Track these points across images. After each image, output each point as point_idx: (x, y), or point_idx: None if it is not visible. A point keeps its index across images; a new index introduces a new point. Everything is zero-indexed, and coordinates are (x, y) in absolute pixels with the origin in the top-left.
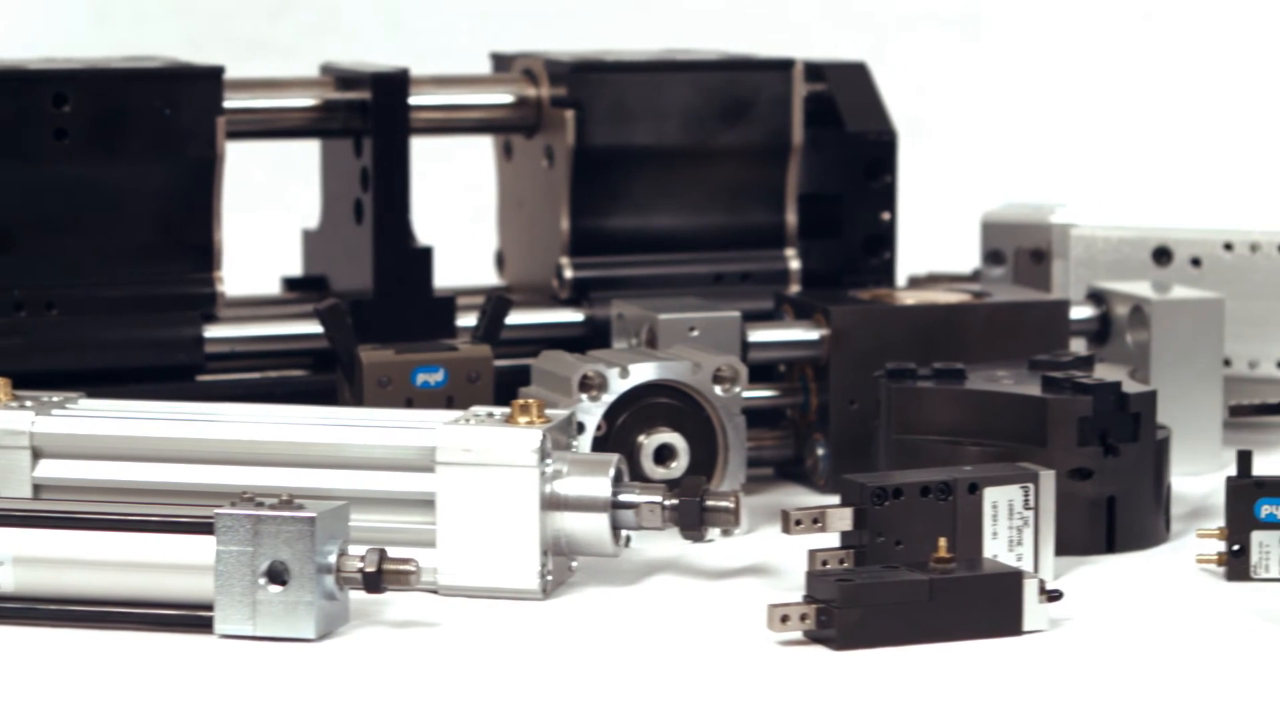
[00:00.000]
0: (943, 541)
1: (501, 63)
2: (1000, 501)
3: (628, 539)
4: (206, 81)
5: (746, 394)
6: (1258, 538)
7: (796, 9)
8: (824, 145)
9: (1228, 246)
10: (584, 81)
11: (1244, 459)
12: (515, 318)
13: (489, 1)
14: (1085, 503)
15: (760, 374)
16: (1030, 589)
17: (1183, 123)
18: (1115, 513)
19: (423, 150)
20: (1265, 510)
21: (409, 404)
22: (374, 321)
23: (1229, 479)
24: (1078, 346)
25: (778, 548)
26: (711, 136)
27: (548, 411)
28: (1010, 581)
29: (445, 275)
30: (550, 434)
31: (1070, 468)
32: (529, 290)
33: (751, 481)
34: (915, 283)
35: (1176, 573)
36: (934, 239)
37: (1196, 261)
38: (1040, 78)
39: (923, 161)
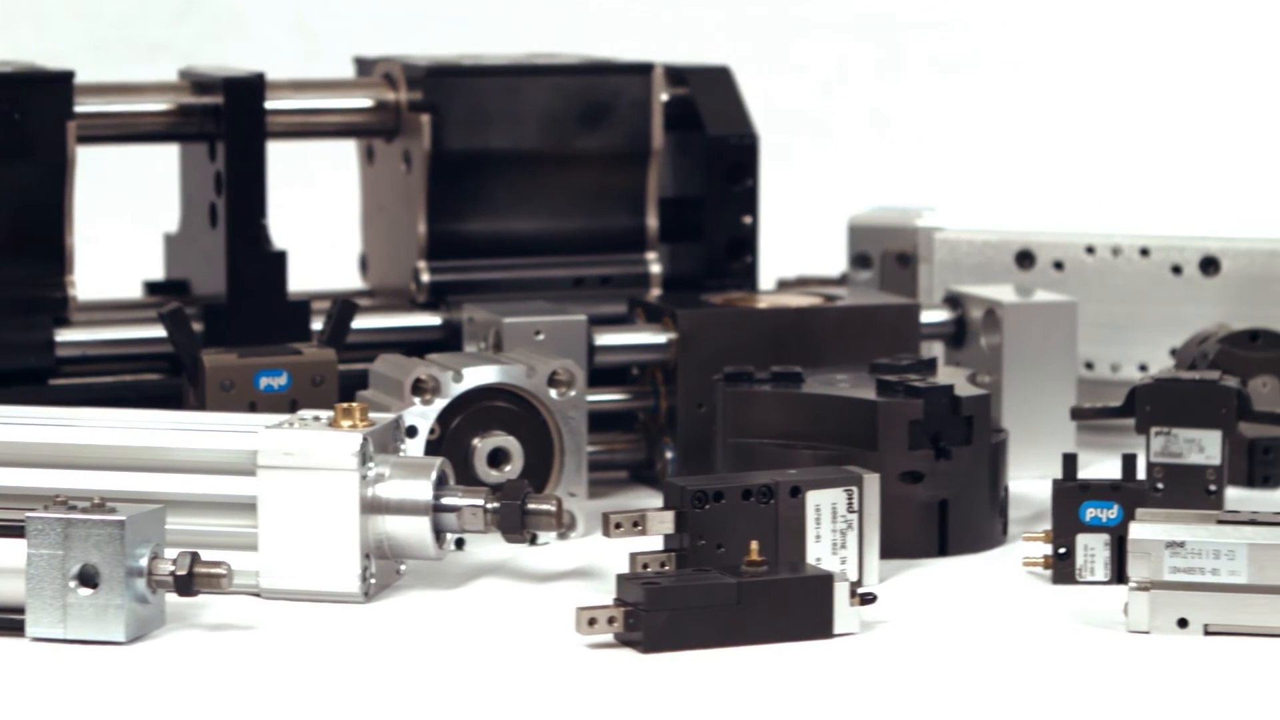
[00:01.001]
0: (754, 545)
1: (364, 67)
2: (824, 505)
3: (460, 542)
4: (56, 86)
5: (596, 397)
6: (1082, 541)
7: (695, 12)
8: (687, 149)
9: (1090, 250)
10: (439, 86)
11: (1069, 462)
12: (374, 321)
13: (394, 5)
14: (918, 506)
15: (614, 377)
16: (841, 592)
17: (1053, 127)
18: (948, 516)
19: (308, 153)
20: (1090, 513)
21: (252, 408)
22: (229, 326)
23: (1054, 482)
24: (935, 350)
25: (609, 551)
26: (570, 140)
27: (372, 415)
28: (821, 584)
29: (317, 279)
30: (373, 437)
31: (901, 471)
32: (390, 294)
33: (605, 484)
34: (785, 285)
35: (1003, 576)
36: (832, 240)
37: (1059, 265)
38: (930, 82)
39: (826, 163)
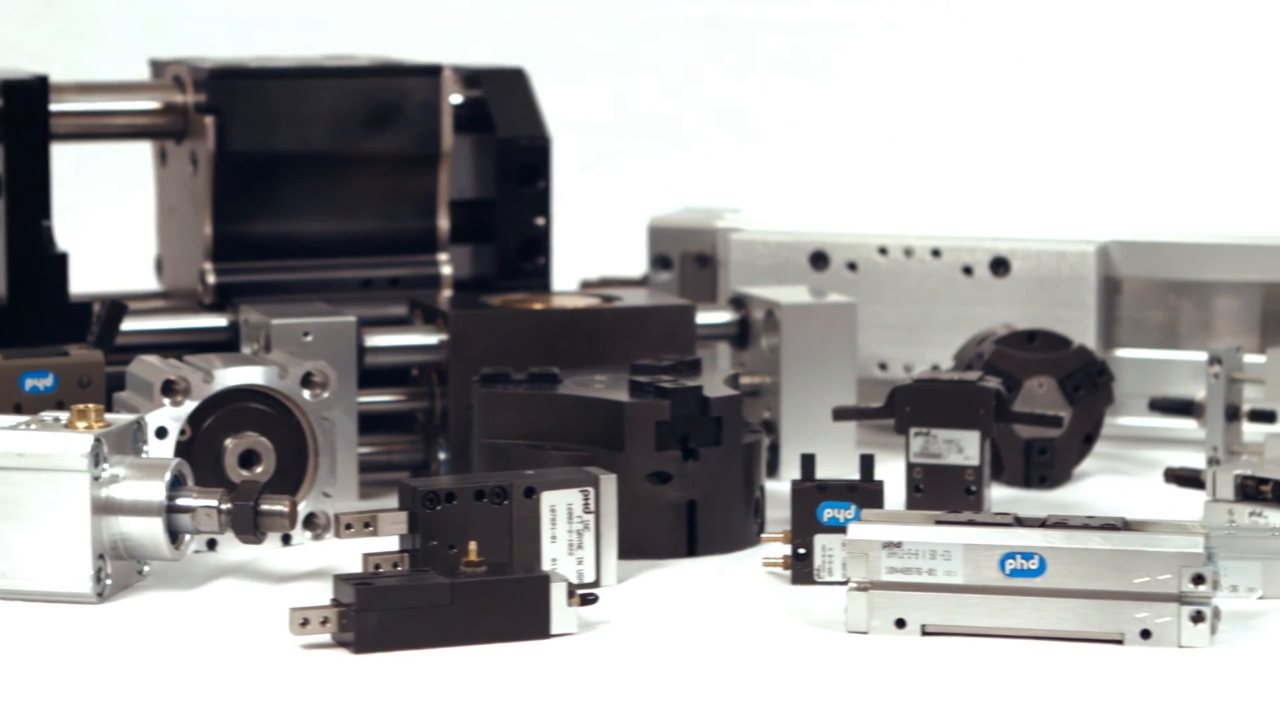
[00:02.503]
0: (472, 545)
1: (157, 69)
2: (559, 505)
3: (212, 543)
4: None
5: (371, 399)
6: (821, 541)
7: (542, 13)
8: (481, 151)
9: (882, 251)
10: (222, 88)
11: (807, 462)
12: (161, 323)
13: (248, 9)
14: (666, 506)
15: (396, 378)
16: (558, 592)
17: (901, 129)
18: (696, 516)
19: (141, 154)
20: (828, 514)
21: (18, 409)
22: (8, 328)
23: (793, 482)
24: (722, 351)
25: (358, 552)
26: (358, 142)
27: (109, 416)
28: (537, 585)
29: (116, 280)
30: (108, 439)
31: (649, 471)
32: (182, 296)
33: (381, 486)
34: (587, 286)
35: (743, 577)
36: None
37: (853, 266)
38: (780, 84)
39: (675, 164)
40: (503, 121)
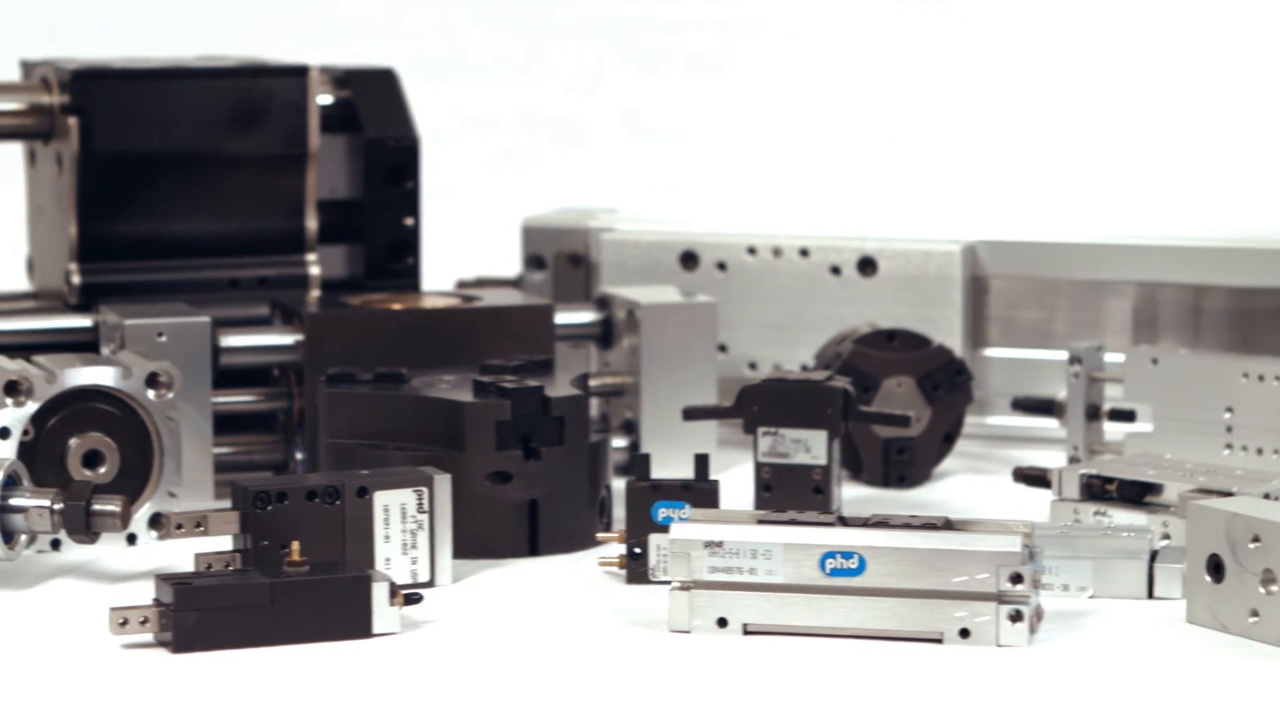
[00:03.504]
0: (295, 545)
1: (27, 70)
2: (392, 505)
3: (56, 543)
4: None
5: (228, 398)
6: (655, 540)
7: (454, 13)
8: (353, 151)
9: (751, 251)
10: (86, 88)
11: (642, 462)
12: (28, 324)
13: (150, 10)
14: (507, 506)
15: (255, 378)
16: (380, 592)
17: (757, 128)
18: (538, 516)
19: None
20: (662, 513)
21: None
22: None
23: (627, 482)
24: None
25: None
26: (225, 142)
27: None
28: (358, 585)
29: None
30: None
31: (490, 471)
32: (51, 296)
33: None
34: (464, 285)
35: (581, 576)
36: None
37: (722, 265)
38: (685, 84)
39: (578, 164)
40: (370, 122)
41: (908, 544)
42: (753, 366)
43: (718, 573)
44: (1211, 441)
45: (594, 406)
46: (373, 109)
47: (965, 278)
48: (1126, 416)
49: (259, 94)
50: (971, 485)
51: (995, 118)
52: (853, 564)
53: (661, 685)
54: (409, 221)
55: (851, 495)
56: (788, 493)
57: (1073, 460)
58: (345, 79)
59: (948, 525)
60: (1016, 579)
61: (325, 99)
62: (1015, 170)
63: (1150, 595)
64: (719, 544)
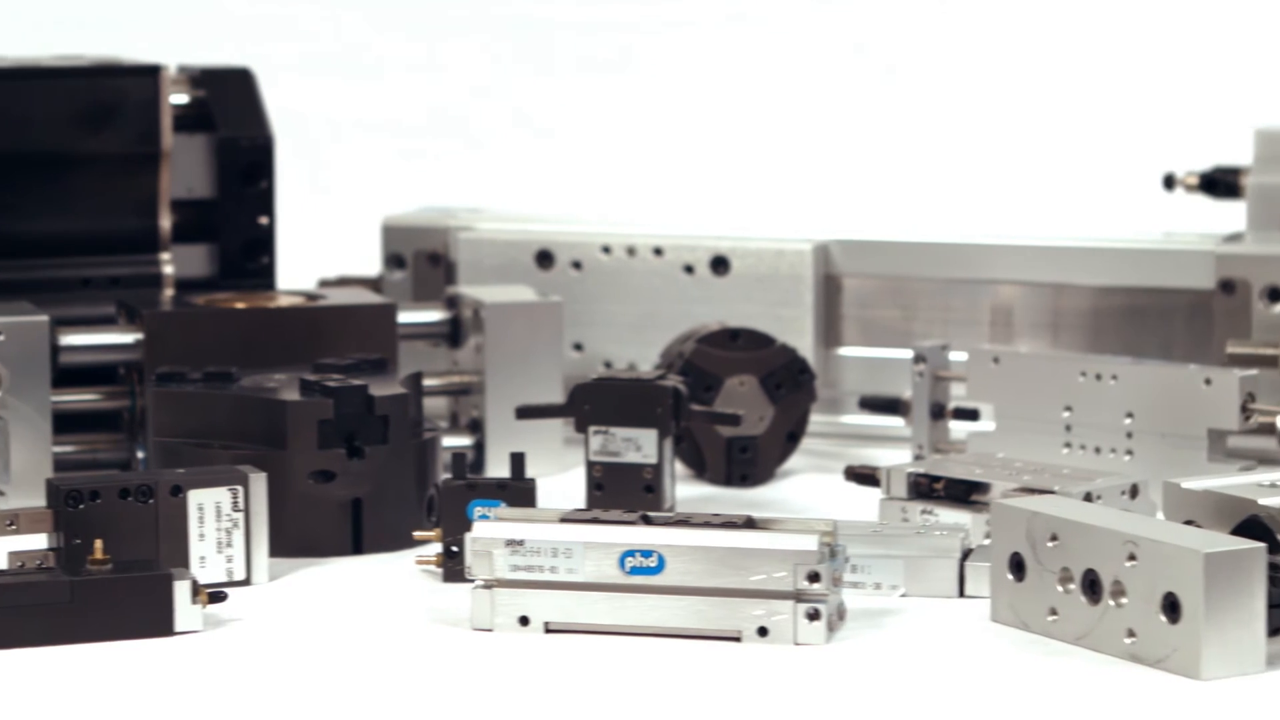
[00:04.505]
0: (98, 543)
1: None
2: (207, 504)
3: None
4: None
5: (69, 397)
6: (469, 539)
7: (349, 13)
8: (208, 151)
9: (606, 249)
10: None
11: (458, 461)
12: None
13: (59, 10)
14: (331, 505)
15: (104, 377)
16: (182, 590)
17: (650, 127)
18: (362, 514)
19: None
20: (478, 511)
21: None
22: None
23: (442, 481)
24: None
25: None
26: (77, 142)
27: None
28: (160, 583)
29: None
30: None
31: (312, 470)
32: None
33: None
34: (325, 284)
35: (399, 574)
36: None
37: (578, 264)
38: (577, 84)
39: (470, 165)
40: (224, 121)
41: (706, 543)
42: (608, 365)
43: (519, 571)
44: (1051, 440)
45: (443, 405)
46: (227, 108)
47: (817, 277)
48: (970, 415)
49: (110, 93)
50: (815, 484)
51: (855, 118)
52: (652, 562)
53: (454, 683)
54: (264, 221)
55: (694, 494)
56: (619, 491)
57: (917, 459)
58: (201, 79)
59: (749, 524)
60: (814, 578)
61: (180, 99)
62: (872, 170)
63: (961, 594)
64: (520, 543)
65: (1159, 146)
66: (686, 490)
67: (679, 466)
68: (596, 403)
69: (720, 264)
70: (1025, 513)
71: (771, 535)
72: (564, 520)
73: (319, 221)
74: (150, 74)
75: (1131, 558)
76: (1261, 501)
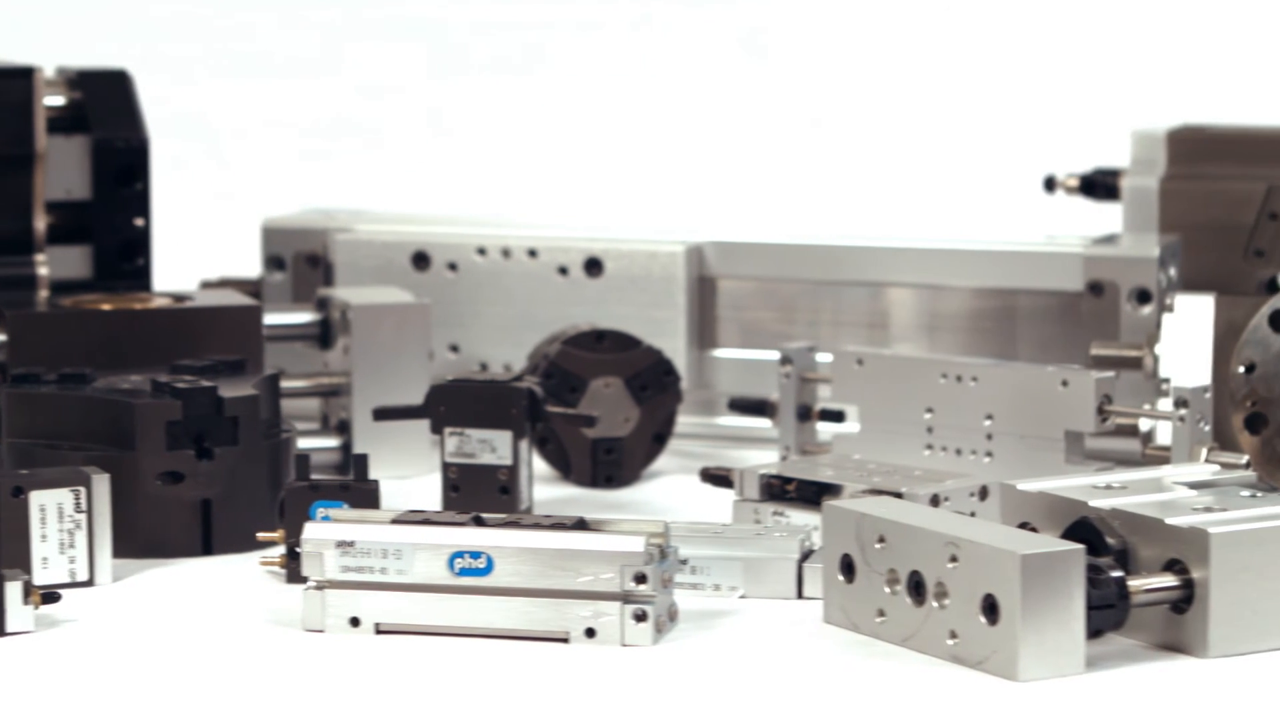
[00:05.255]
0: None
1: None
2: (49, 504)
3: None
4: None
5: None
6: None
7: (249, 16)
8: (81, 152)
9: (481, 251)
10: None
11: (302, 463)
12: None
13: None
14: (180, 506)
15: None
16: (13, 591)
17: (557, 128)
18: (211, 516)
19: None
20: (321, 513)
21: None
22: None
23: (286, 483)
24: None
25: None
26: None
27: None
28: None
29: None
30: None
31: (161, 471)
32: None
33: None
34: (207, 286)
35: (243, 576)
36: None
37: (453, 266)
38: (486, 85)
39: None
40: (98, 123)
41: (535, 544)
42: (483, 367)
43: (350, 572)
44: (914, 442)
45: (315, 407)
46: (102, 110)
47: (690, 278)
48: (835, 417)
49: None
50: (680, 486)
51: (740, 121)
52: (481, 564)
53: (278, 685)
54: (139, 222)
55: (559, 495)
56: (474, 493)
57: (783, 460)
58: (77, 80)
59: (580, 526)
60: (640, 579)
61: (56, 100)
62: (753, 172)
63: (800, 595)
64: (350, 544)
65: (1050, 148)
66: (551, 492)
67: (546, 468)
68: (451, 404)
69: (594, 265)
70: (854, 514)
71: (599, 537)
72: (395, 522)
73: (221, 223)
74: (24, 76)
75: (953, 559)
76: (1092, 503)
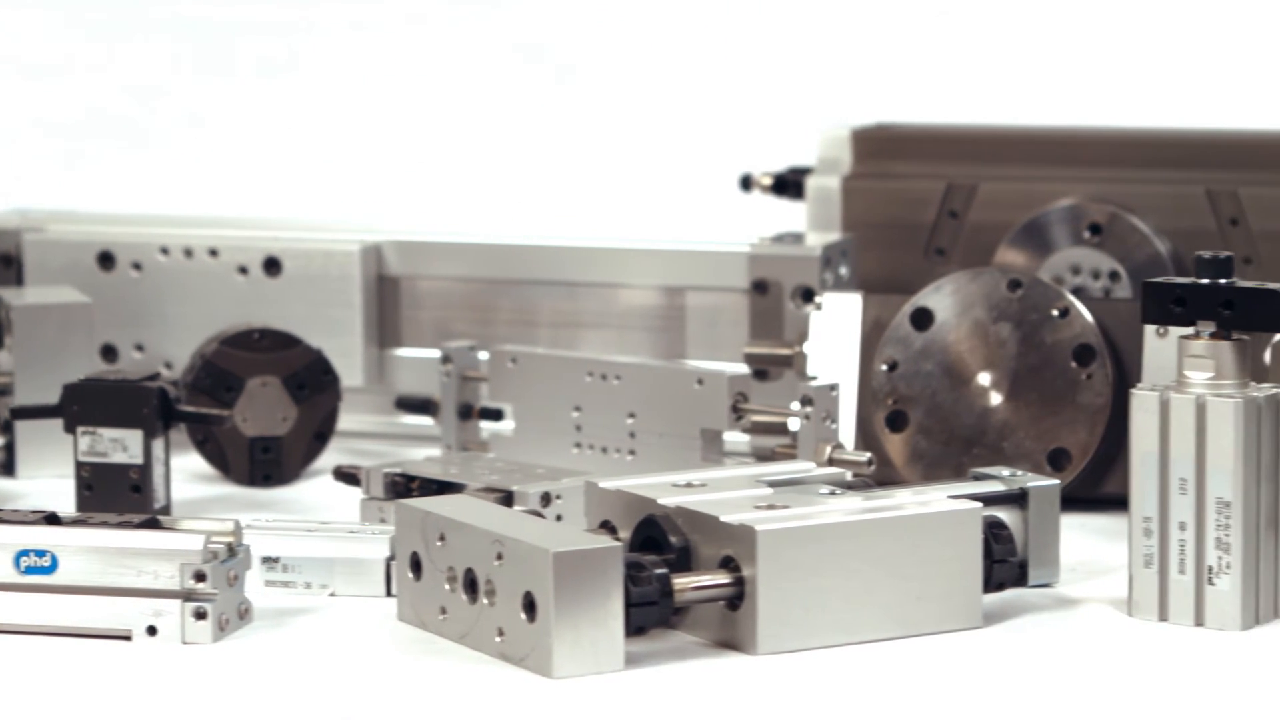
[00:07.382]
0: None
1: None
2: None
3: None
4: None
5: None
6: None
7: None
8: None
9: (164, 251)
10: None
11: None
12: None
13: None
14: None
15: None
16: None
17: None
18: None
19: None
20: None
21: None
22: None
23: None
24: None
25: None
26: None
27: None
28: None
29: None
30: None
31: None
32: None
33: None
34: None
35: None
36: None
37: (138, 266)
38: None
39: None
40: None
41: (98, 543)
42: (168, 366)
43: None
44: (564, 440)
45: None
46: None
47: (367, 277)
48: (494, 415)
49: None
50: (339, 484)
51: (440, 123)
52: (45, 562)
53: None
54: None
55: (216, 494)
56: (107, 492)
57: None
58: None
59: (150, 524)
60: (200, 577)
61: None
62: (440, 171)
63: (389, 594)
64: None
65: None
66: (208, 490)
67: (207, 466)
68: (84, 403)
69: (273, 265)
70: (420, 512)
71: (162, 535)
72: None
73: None
74: None
75: (499, 557)
76: (661, 501)
